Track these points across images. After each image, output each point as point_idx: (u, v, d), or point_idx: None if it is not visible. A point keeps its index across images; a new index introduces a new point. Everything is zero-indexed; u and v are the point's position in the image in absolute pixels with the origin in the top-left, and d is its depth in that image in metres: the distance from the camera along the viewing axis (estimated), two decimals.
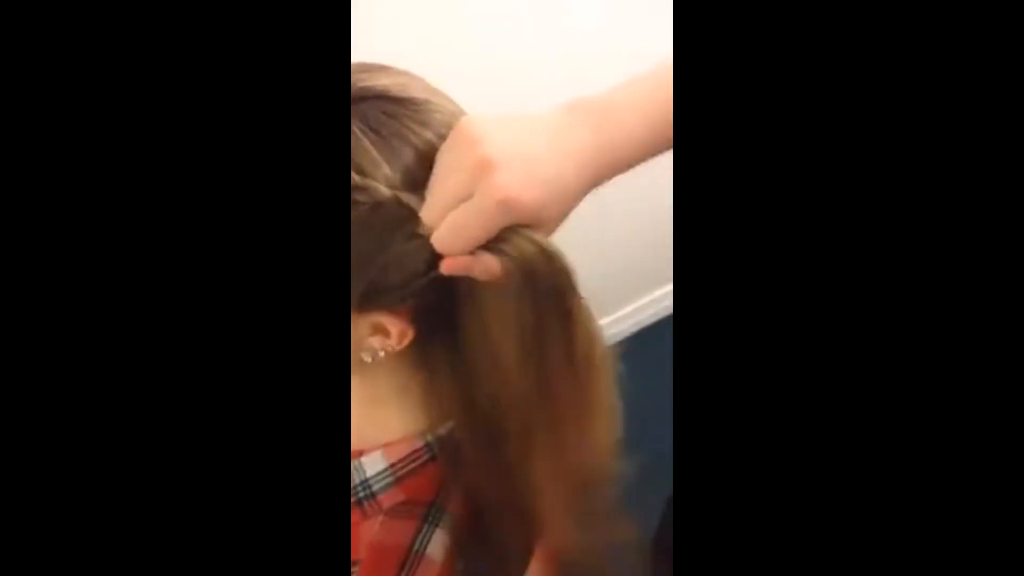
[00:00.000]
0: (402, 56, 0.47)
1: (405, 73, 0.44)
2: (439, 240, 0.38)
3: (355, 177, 0.39)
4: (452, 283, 0.41)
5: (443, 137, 0.40)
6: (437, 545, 0.48)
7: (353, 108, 0.40)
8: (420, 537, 0.47)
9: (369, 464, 0.48)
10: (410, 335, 0.44)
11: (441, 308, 0.43)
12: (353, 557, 0.45)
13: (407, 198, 0.39)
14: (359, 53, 0.42)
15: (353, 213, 0.39)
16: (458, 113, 0.43)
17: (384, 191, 0.39)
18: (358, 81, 0.41)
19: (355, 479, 0.48)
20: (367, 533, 0.46)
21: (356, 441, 0.51)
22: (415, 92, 0.42)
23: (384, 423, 0.50)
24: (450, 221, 0.38)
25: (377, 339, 0.44)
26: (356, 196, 0.39)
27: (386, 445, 0.49)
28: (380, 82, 0.42)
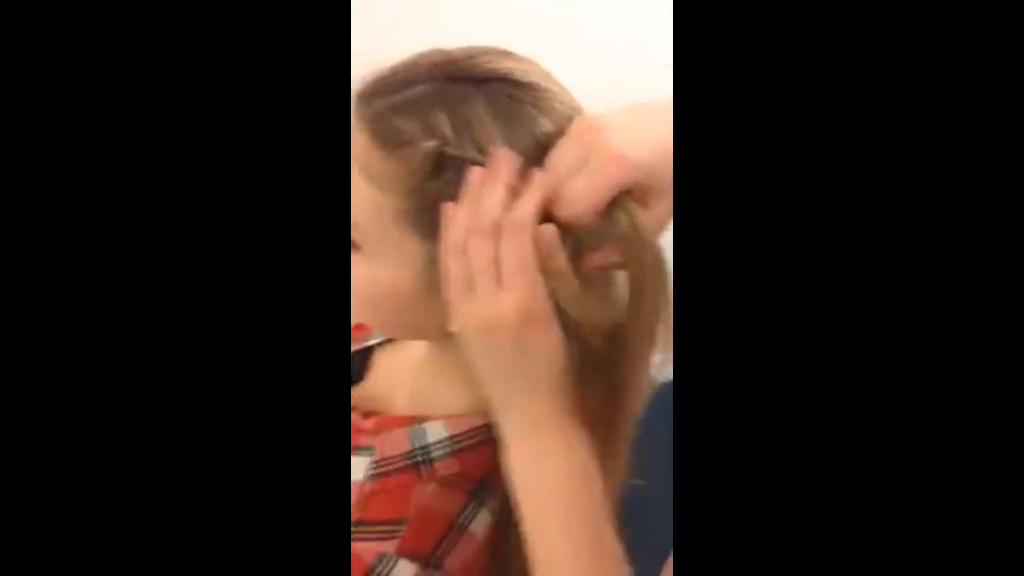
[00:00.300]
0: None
1: (528, 60, 0.45)
2: (565, 206, 0.40)
3: (473, 155, 0.41)
4: None
5: (560, 127, 0.42)
6: (480, 524, 0.49)
7: (477, 88, 0.42)
8: (466, 511, 0.48)
9: (431, 431, 0.50)
10: None
11: None
12: (403, 515, 0.46)
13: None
14: (359, 50, 0.42)
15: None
16: (575, 107, 0.45)
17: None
18: (484, 63, 0.43)
19: (414, 443, 0.49)
20: (419, 495, 0.47)
21: (421, 407, 0.52)
22: (537, 79, 0.44)
23: (451, 395, 0.51)
24: (570, 187, 0.40)
25: None
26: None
27: (449, 416, 0.50)
28: (504, 65, 0.43)
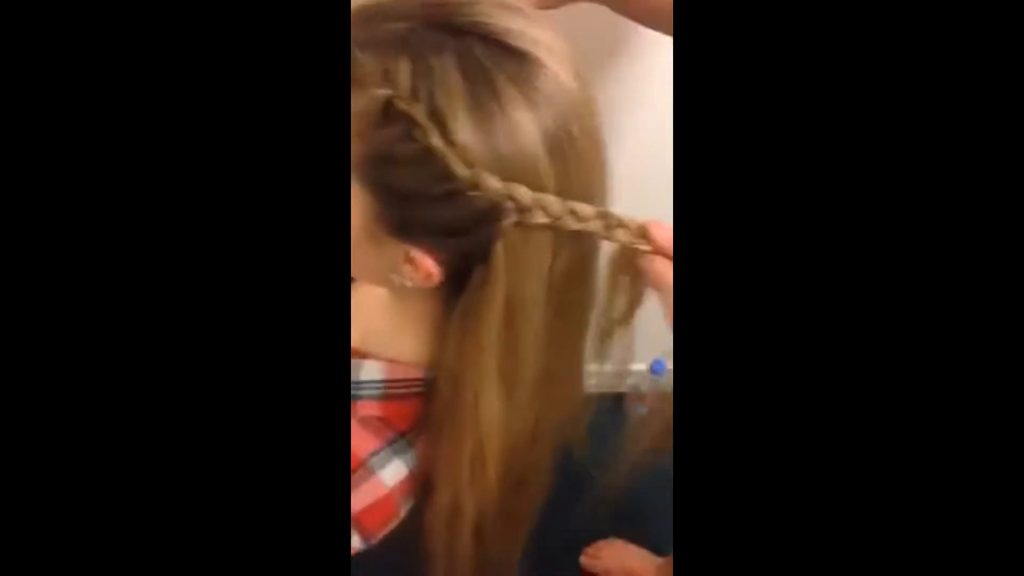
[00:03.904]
0: None
1: (539, 24, 0.39)
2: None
3: (421, 117, 0.36)
4: (488, 248, 0.40)
5: (546, 117, 0.37)
6: (392, 473, 0.48)
7: (455, 41, 0.37)
8: (377, 457, 0.47)
9: (366, 369, 0.49)
10: (435, 279, 0.43)
11: (470, 266, 0.42)
12: None
13: (460, 166, 0.37)
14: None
15: (410, 146, 0.37)
16: (580, 101, 0.39)
17: (437, 144, 0.36)
18: (475, 14, 0.38)
19: None
20: None
21: (370, 345, 0.52)
22: (534, 49, 0.38)
23: (398, 340, 0.51)
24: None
25: (407, 269, 0.44)
26: (418, 135, 0.36)
27: (391, 360, 0.50)
28: (498, 22, 0.38)
